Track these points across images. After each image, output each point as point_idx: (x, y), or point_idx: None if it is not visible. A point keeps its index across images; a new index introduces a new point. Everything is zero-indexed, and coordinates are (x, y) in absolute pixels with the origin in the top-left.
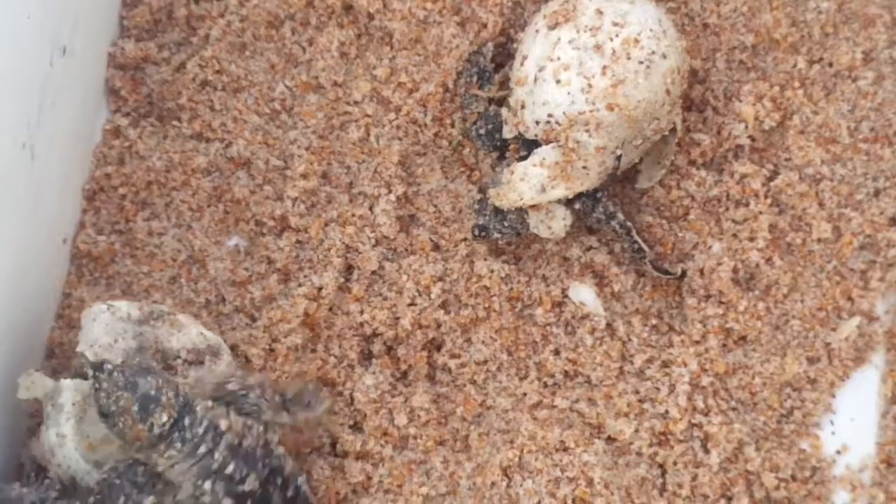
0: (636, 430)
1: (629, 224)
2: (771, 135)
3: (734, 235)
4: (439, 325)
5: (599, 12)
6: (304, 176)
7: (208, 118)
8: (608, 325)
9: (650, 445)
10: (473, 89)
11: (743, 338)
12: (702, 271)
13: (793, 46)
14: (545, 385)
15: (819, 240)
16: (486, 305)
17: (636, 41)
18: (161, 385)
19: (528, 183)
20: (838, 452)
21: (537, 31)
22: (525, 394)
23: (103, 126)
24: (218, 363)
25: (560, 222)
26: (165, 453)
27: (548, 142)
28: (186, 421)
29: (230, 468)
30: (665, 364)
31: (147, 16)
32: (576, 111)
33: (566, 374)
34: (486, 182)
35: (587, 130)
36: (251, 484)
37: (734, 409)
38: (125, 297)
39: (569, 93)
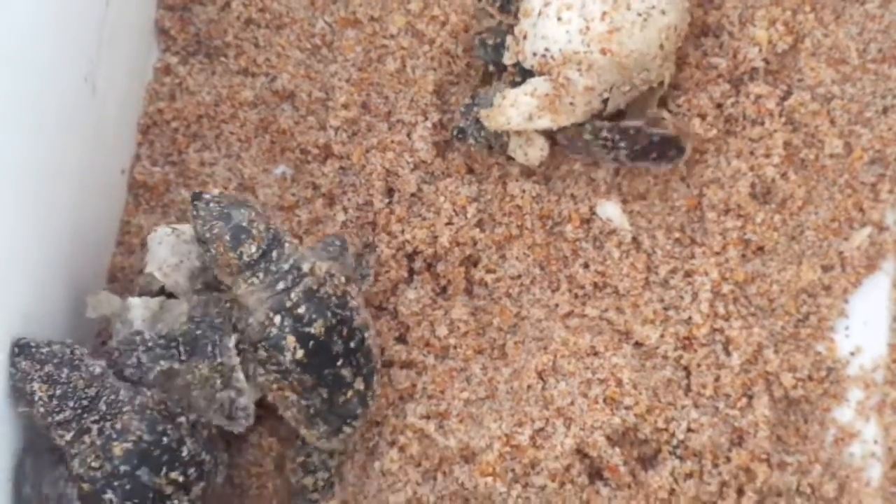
0: (661, 336)
1: (612, 123)
2: (784, 57)
3: (751, 153)
4: (475, 243)
5: None
6: (345, 106)
7: (253, 54)
8: (633, 238)
9: (675, 349)
10: (493, 10)
11: (761, 248)
12: (722, 186)
13: None
14: (576, 296)
15: (831, 155)
16: (519, 223)
17: None
18: (253, 218)
19: (517, 109)
20: (852, 354)
21: None
22: (557, 304)
23: (154, 64)
24: None
25: (537, 151)
26: (248, 280)
27: (541, 74)
28: (274, 254)
29: (301, 309)
30: (688, 274)
31: None
32: (571, 50)
33: (595, 285)
34: (479, 93)
35: (579, 69)
36: (317, 328)
37: (753, 314)
38: (180, 224)
39: (567, 31)
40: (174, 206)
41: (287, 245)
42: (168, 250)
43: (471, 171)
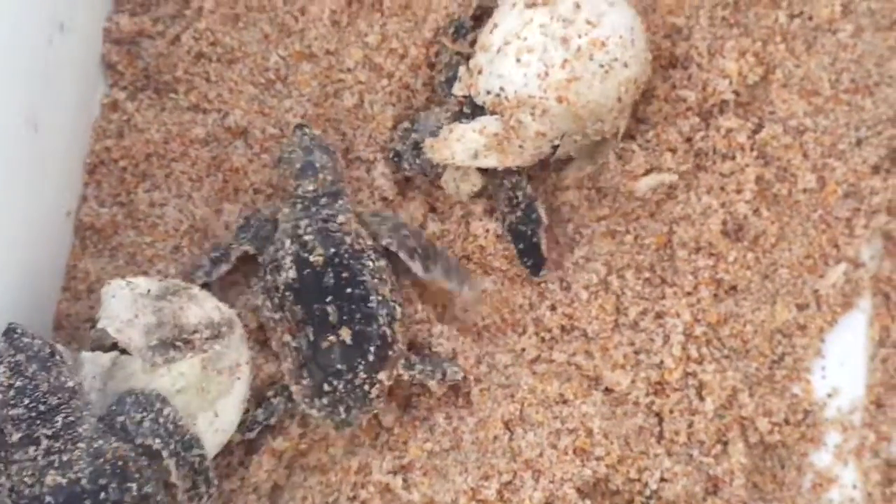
0: (633, 381)
1: (544, 222)
2: (755, 89)
3: (722, 188)
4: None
5: (577, 6)
6: None
7: (204, 89)
8: (602, 279)
9: (647, 395)
10: (446, 40)
11: (733, 287)
12: (692, 224)
13: (773, 1)
14: (543, 340)
15: (804, 190)
16: (483, 264)
17: (603, 44)
18: (328, 164)
19: (463, 145)
20: (829, 395)
21: (514, 4)
22: (524, 349)
23: (101, 100)
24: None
25: (470, 186)
26: (291, 209)
27: (493, 113)
28: (323, 200)
29: (308, 237)
30: (659, 315)
31: None
32: (527, 93)
33: (563, 328)
34: (419, 117)
35: (532, 114)
36: (315, 257)
37: (727, 356)
38: (129, 267)
39: (525, 74)
40: (122, 249)
41: (339, 202)
42: (122, 305)
43: (433, 209)
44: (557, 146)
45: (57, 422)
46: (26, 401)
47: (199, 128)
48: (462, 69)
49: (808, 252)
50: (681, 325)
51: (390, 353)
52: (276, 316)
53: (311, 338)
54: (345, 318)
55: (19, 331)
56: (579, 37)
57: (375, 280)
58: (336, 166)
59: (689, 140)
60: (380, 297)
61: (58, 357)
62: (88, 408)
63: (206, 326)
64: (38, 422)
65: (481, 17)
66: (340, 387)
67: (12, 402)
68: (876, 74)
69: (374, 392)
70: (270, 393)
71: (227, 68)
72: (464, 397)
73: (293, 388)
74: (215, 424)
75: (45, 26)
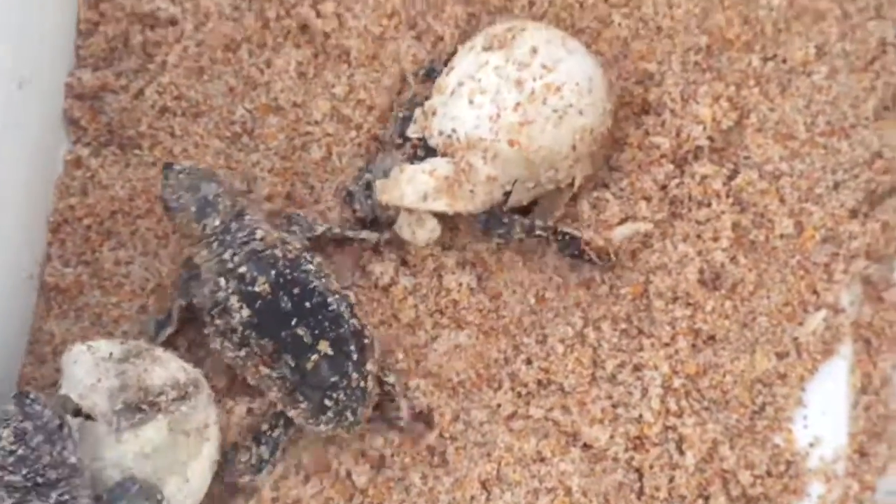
0: (611, 436)
1: (551, 224)
2: (729, 134)
3: (698, 236)
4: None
5: (534, 51)
6: (269, 198)
7: (169, 144)
8: (578, 332)
9: (626, 450)
10: (413, 79)
11: (712, 337)
12: (669, 273)
13: (746, 45)
14: (519, 395)
15: (782, 235)
16: (457, 318)
17: (557, 89)
18: (220, 193)
19: (413, 187)
20: (811, 445)
21: (472, 47)
22: (499, 405)
23: (64, 157)
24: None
25: (427, 232)
26: (207, 249)
27: (445, 155)
28: (233, 226)
29: (243, 269)
30: (636, 368)
31: (103, 44)
32: (478, 135)
33: (539, 383)
34: (376, 157)
35: (484, 157)
36: (260, 286)
37: (707, 408)
38: (95, 328)
39: (477, 116)
40: (88, 309)
41: (247, 218)
42: (84, 370)
43: (405, 262)
44: (510, 192)
45: (51, 497)
46: (25, 470)
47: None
48: (418, 111)
49: (786, 299)
50: (659, 377)
51: (366, 341)
52: (242, 353)
53: (293, 363)
54: (317, 332)
55: (32, 397)
56: (534, 80)
57: (322, 279)
58: (225, 185)
59: (663, 188)
60: (335, 295)
61: (65, 431)
62: (87, 487)
63: (172, 387)
64: (33, 493)
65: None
66: (341, 396)
67: (11, 468)
68: (852, 116)
69: (369, 384)
70: (265, 427)
71: (192, 122)
72: (439, 456)
73: (292, 413)
74: (184, 490)
75: (4, 82)
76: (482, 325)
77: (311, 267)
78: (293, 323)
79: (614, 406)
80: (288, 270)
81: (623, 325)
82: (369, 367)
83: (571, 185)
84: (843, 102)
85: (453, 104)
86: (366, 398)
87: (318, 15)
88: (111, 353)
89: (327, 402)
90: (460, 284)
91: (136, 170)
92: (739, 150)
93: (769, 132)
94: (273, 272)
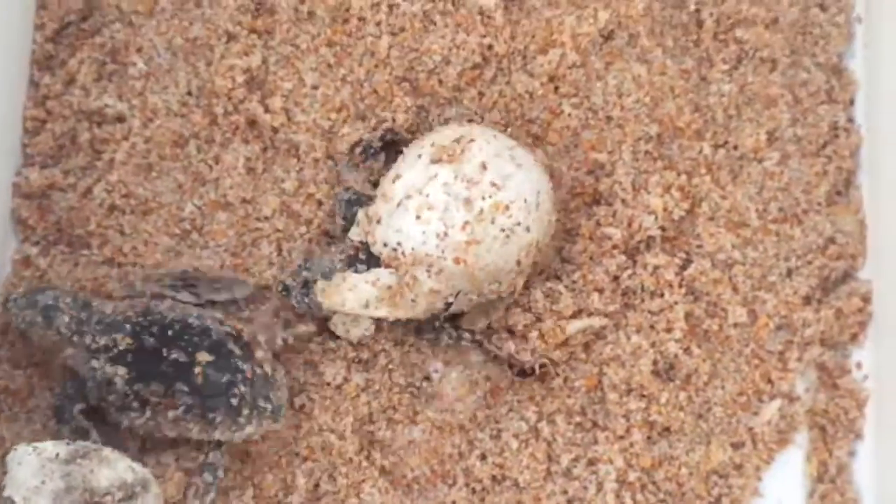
0: None
1: (479, 338)
2: (681, 223)
3: (651, 327)
4: (369, 435)
5: (483, 167)
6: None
7: (118, 243)
8: (532, 426)
9: None
10: (353, 157)
11: (667, 429)
12: (622, 365)
13: (697, 133)
14: (473, 491)
15: (735, 324)
16: (411, 414)
17: (506, 208)
18: (58, 295)
19: (355, 295)
20: None
21: (420, 156)
22: (454, 502)
23: (13, 256)
24: (147, 496)
25: (361, 331)
26: (69, 349)
27: (388, 266)
28: (83, 316)
29: (102, 340)
30: (591, 462)
31: (50, 142)
32: (424, 252)
33: (494, 478)
34: (315, 253)
35: (428, 272)
36: (123, 343)
37: (662, 501)
38: (47, 430)
39: (424, 232)
40: (39, 411)
41: (95, 305)
42: (29, 471)
43: (358, 360)
44: (451, 303)
45: None
46: None
47: (114, 282)
48: (361, 213)
49: (741, 389)
50: (614, 471)
51: (245, 338)
52: (148, 413)
53: (186, 387)
54: (190, 349)
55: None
56: (483, 199)
57: (178, 311)
58: (62, 287)
59: (616, 279)
60: (194, 316)
61: None
62: None
63: (119, 488)
64: None
65: (390, 143)
66: (243, 389)
67: None
68: (804, 202)
69: (269, 369)
70: (203, 457)
71: (141, 220)
72: None
73: (216, 435)
74: None
75: None
76: (435, 419)
77: (164, 307)
78: (165, 353)
79: (569, 501)
80: (141, 318)
81: (577, 419)
82: (259, 355)
83: (512, 292)
84: (796, 188)
85: (399, 217)
86: (274, 383)
87: (267, 110)
88: (57, 454)
89: (233, 402)
90: (411, 380)
91: (85, 269)
92: (692, 240)
93: (721, 220)
94: (128, 326)
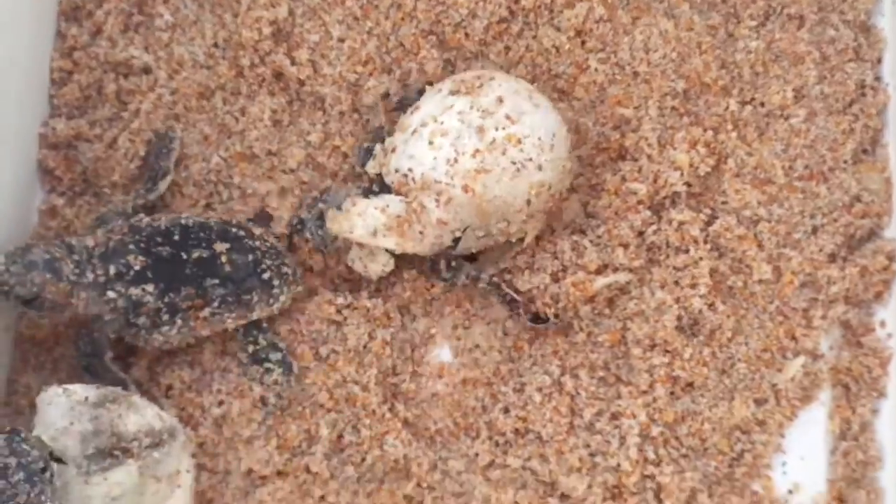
0: (589, 486)
1: (496, 280)
2: (707, 179)
3: (676, 283)
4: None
5: (500, 100)
6: None
7: None
8: (555, 380)
9: (604, 500)
10: (383, 105)
11: (690, 384)
12: (646, 320)
13: (724, 89)
14: (497, 444)
15: (760, 281)
16: (434, 366)
17: (518, 142)
18: (47, 248)
19: (363, 220)
20: (790, 492)
21: (440, 90)
22: (477, 454)
23: (39, 206)
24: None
25: (379, 266)
26: (82, 293)
27: (399, 193)
28: (76, 258)
29: (110, 270)
30: (614, 416)
31: (77, 93)
32: (433, 177)
33: (517, 431)
34: (332, 190)
35: (437, 200)
36: (138, 264)
37: (685, 456)
38: (71, 380)
39: (435, 157)
40: (64, 360)
41: (74, 243)
42: (58, 412)
43: (385, 315)
44: (459, 239)
45: None
46: None
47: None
48: (378, 146)
49: (765, 345)
50: (637, 426)
51: (249, 223)
52: (179, 321)
53: (216, 279)
54: (205, 245)
55: (22, 436)
56: (496, 129)
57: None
58: (44, 240)
59: (640, 234)
60: (183, 216)
61: (48, 475)
62: None
63: (146, 434)
64: None
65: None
66: (266, 261)
67: None
68: (830, 160)
69: (273, 241)
70: (251, 347)
71: None
72: None
73: (255, 315)
74: None
75: None
76: (459, 373)
77: (144, 221)
78: (185, 256)
79: (592, 455)
80: (137, 235)
81: (601, 373)
82: (258, 232)
83: (521, 240)
84: (822, 146)
85: (413, 143)
86: (280, 249)
87: (293, 63)
88: (87, 397)
89: (266, 276)
90: (435, 333)
91: None
92: (717, 196)
93: (747, 177)
94: (132, 246)
